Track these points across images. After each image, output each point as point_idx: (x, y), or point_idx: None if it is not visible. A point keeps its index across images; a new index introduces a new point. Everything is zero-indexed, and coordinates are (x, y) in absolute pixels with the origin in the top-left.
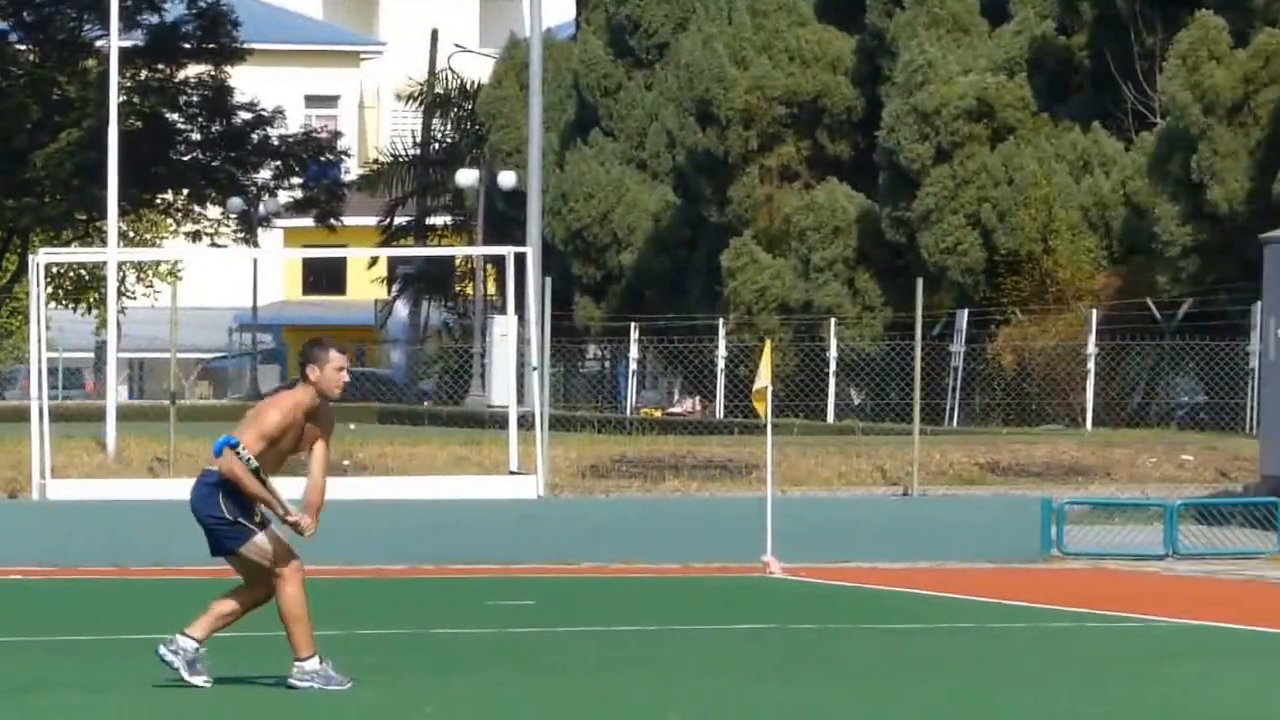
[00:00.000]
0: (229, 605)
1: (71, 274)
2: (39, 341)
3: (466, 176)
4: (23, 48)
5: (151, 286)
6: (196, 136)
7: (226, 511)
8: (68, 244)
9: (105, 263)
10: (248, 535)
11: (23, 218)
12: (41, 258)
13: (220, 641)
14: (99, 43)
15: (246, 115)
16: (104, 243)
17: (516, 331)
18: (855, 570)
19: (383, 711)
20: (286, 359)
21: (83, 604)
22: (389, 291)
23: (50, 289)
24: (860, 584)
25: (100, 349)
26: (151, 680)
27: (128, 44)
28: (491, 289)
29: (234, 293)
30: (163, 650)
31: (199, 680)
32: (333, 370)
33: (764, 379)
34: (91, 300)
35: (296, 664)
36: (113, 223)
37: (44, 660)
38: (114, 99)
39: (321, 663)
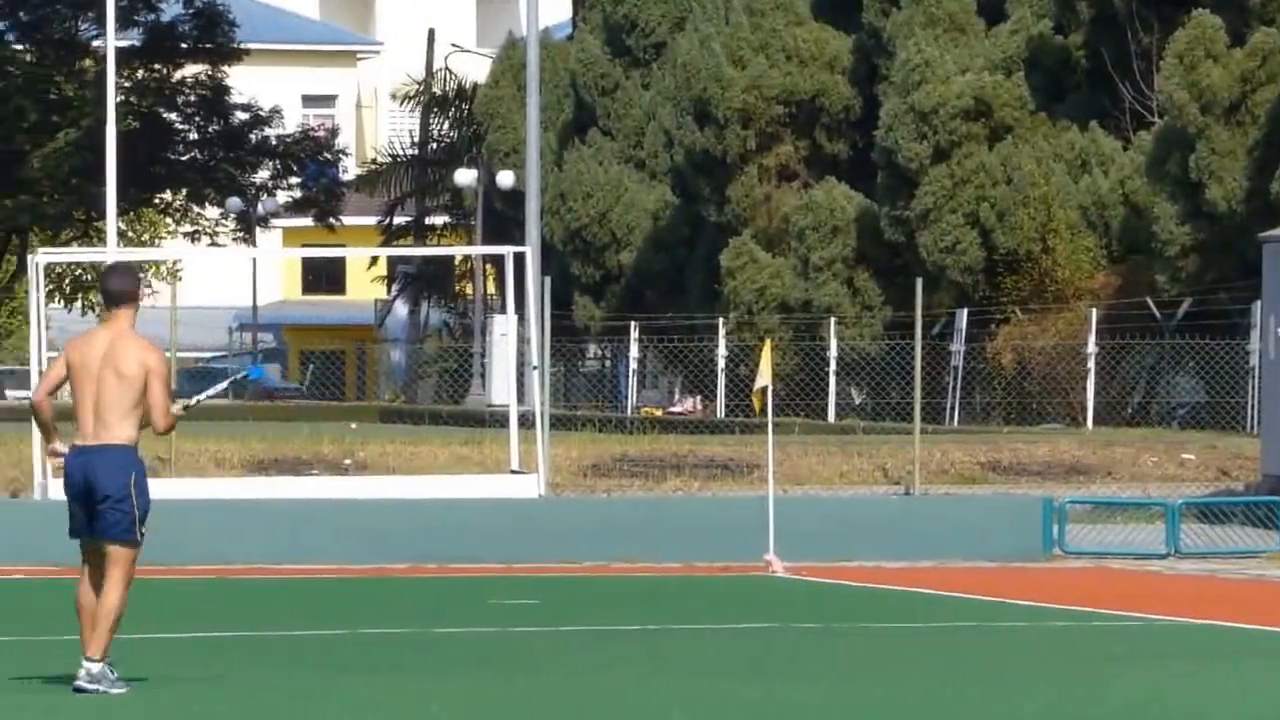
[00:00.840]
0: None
1: (71, 274)
2: (39, 342)
3: (465, 176)
4: (19, 48)
5: (150, 286)
6: (194, 136)
7: (136, 502)
8: (67, 243)
9: (104, 262)
10: (135, 541)
11: (21, 217)
12: (40, 257)
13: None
14: (95, 43)
15: (244, 115)
16: (103, 242)
17: (516, 331)
18: (857, 569)
19: (387, 710)
20: (287, 358)
21: None
22: (389, 291)
23: (50, 289)
24: (862, 583)
25: None
26: (143, 677)
27: (124, 44)
28: (491, 288)
29: (234, 292)
30: (82, 686)
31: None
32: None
33: (764, 378)
34: (91, 300)
35: (91, 664)
36: (111, 222)
37: (47, 659)
38: (111, 99)
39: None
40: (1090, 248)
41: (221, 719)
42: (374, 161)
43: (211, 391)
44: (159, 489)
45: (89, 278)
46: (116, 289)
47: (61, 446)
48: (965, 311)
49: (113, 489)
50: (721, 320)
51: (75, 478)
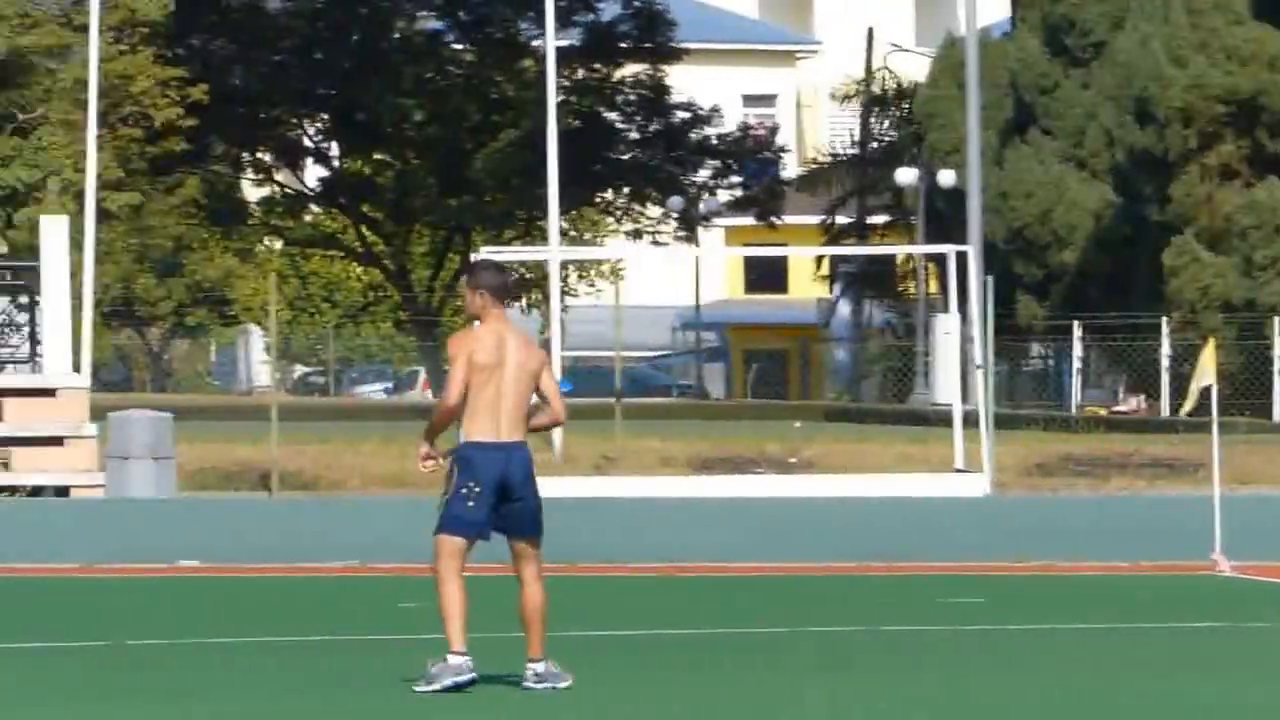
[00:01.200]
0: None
1: (514, 272)
2: None
3: (905, 175)
4: (459, 47)
5: (593, 285)
6: (635, 135)
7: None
8: (508, 243)
9: (547, 261)
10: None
11: (465, 216)
12: (483, 256)
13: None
14: (535, 42)
15: (684, 114)
16: (544, 241)
17: (959, 329)
18: None
19: (834, 709)
20: (730, 358)
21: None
22: (831, 290)
23: None
24: None
25: (544, 347)
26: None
27: (564, 43)
28: (933, 287)
29: (676, 291)
30: (531, 686)
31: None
32: None
33: (1208, 377)
34: (534, 298)
35: (535, 664)
36: (553, 221)
37: (498, 656)
38: (552, 98)
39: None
40: None
41: (672, 715)
42: (814, 161)
43: None
44: (608, 487)
45: (532, 276)
46: (509, 284)
47: (437, 451)
48: None
49: (530, 488)
50: (1165, 319)
51: (493, 473)
